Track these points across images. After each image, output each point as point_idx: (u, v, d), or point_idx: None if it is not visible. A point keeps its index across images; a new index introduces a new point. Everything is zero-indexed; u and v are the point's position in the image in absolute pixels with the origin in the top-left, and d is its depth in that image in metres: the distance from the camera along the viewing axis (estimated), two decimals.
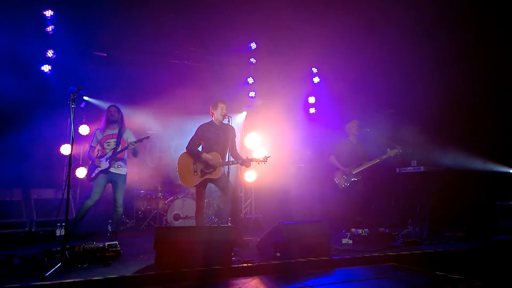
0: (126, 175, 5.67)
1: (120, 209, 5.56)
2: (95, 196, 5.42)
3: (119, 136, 5.62)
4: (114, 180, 5.54)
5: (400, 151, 6.45)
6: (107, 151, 5.54)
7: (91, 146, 5.67)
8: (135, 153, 5.60)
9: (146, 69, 7.77)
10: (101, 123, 5.70)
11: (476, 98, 6.69)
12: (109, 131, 5.63)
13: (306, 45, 8.01)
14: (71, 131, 4.14)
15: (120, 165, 5.58)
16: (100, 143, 5.62)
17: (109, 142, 5.59)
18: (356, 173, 6.60)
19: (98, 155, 5.63)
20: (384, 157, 6.53)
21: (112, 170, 5.49)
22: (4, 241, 5.71)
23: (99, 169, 5.47)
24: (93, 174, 5.50)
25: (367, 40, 7.65)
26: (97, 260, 4.02)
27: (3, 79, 6.34)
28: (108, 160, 5.47)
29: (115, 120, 5.62)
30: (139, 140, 5.49)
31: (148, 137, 5.59)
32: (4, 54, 6.57)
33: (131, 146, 5.45)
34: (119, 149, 5.54)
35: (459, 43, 6.65)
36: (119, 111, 5.68)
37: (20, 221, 6.04)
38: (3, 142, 6.45)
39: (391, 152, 6.48)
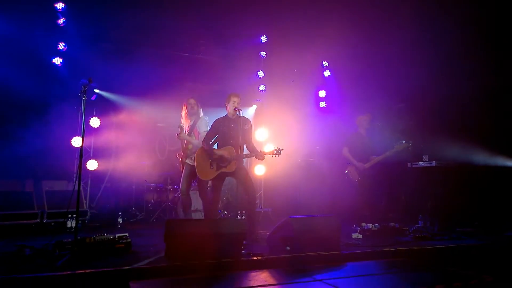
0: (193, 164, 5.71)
1: (183, 197, 5.79)
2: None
3: (192, 127, 5.82)
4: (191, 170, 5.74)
5: (410, 144, 6.36)
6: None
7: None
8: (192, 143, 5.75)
9: (157, 62, 7.76)
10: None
11: (491, 92, 6.55)
12: (188, 123, 5.86)
13: (317, 39, 7.93)
14: (82, 123, 4.16)
15: (192, 157, 5.73)
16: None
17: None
18: (369, 167, 6.54)
19: None
20: (394, 150, 6.45)
21: (188, 161, 5.76)
22: (16, 232, 5.77)
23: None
24: None
25: (378, 33, 7.55)
26: (107, 251, 4.04)
27: (15, 71, 6.40)
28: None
29: (194, 113, 5.81)
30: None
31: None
32: (16, 46, 6.63)
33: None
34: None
35: (475, 35, 6.51)
36: (197, 102, 5.84)
37: (31, 212, 6.10)
38: (15, 134, 6.53)
39: (401, 146, 6.39)
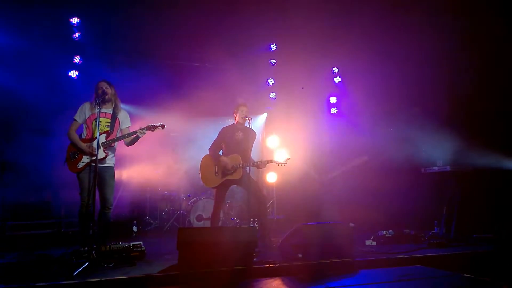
0: (114, 167, 4.65)
1: (110, 211, 4.52)
2: (86, 199, 4.30)
3: (114, 117, 4.57)
4: (100, 174, 4.36)
5: (366, 158, 6.38)
6: (95, 133, 4.32)
7: (74, 120, 4.57)
8: (134, 141, 4.61)
9: (169, 72, 7.91)
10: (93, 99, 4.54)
11: (509, 94, 6.44)
12: (101, 109, 4.40)
13: (327, 45, 7.94)
14: (97, 134, 4.25)
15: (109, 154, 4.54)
16: (88, 120, 4.54)
17: (100, 122, 4.42)
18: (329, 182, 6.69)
19: (83, 137, 4.54)
20: (349, 166, 6.50)
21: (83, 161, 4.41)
22: (35, 241, 5.90)
23: (90, 158, 4.32)
24: (80, 165, 4.36)
25: (389, 38, 7.52)
26: (122, 259, 4.12)
27: (33, 85, 6.58)
28: (103, 148, 4.41)
29: (108, 98, 4.54)
30: (152, 127, 4.51)
31: (163, 126, 4.56)
32: (33, 60, 6.82)
33: (141, 133, 4.44)
34: (117, 134, 4.55)
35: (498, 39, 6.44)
36: (111, 86, 4.59)
37: (49, 221, 6.25)
38: (34, 145, 6.69)
39: (358, 161, 6.42)
